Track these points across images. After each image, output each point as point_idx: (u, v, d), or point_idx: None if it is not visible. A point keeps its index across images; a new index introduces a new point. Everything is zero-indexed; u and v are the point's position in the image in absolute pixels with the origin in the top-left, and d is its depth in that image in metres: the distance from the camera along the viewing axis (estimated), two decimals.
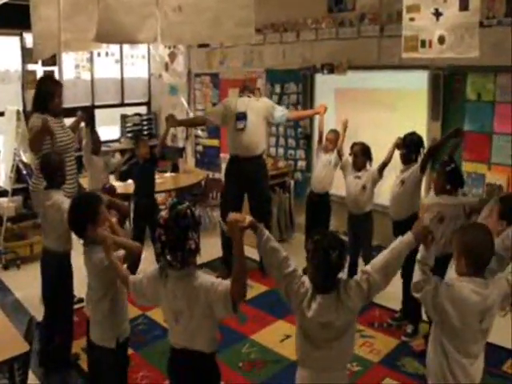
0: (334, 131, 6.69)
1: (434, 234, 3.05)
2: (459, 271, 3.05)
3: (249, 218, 3.02)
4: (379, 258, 3.05)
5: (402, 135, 5.59)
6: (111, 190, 5.95)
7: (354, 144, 6.15)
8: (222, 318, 3.18)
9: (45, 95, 5.58)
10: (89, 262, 3.71)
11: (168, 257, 3.03)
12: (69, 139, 5.72)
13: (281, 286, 3.13)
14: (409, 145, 5.47)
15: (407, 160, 5.50)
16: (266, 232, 3.10)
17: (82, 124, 6.36)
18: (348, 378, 3.33)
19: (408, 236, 3.04)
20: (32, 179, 5.86)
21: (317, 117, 7.25)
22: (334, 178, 6.64)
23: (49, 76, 5.82)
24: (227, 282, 2.99)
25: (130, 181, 6.97)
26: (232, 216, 2.99)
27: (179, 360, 3.19)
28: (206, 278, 3.10)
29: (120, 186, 7.38)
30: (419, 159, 5.44)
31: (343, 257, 2.99)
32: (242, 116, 6.59)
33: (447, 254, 4.44)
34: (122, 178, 6.99)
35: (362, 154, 6.06)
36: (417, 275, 3.09)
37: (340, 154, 6.41)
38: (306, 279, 3.10)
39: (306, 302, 3.03)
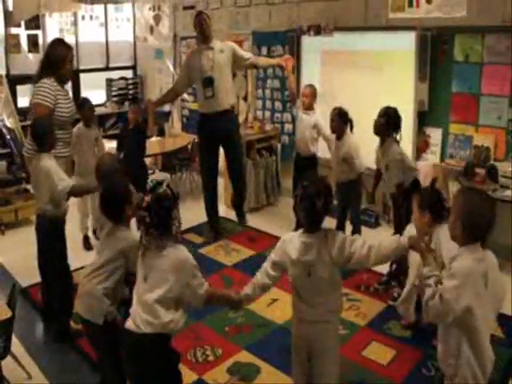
0: (310, 86, 6.69)
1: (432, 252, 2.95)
2: (454, 236, 2.90)
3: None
4: (373, 242, 3.13)
5: None
6: None
7: (333, 109, 6.09)
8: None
9: (55, 60, 5.24)
10: (115, 240, 3.62)
11: (152, 235, 3.16)
12: (72, 109, 5.52)
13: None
14: (389, 116, 5.38)
15: (381, 130, 5.43)
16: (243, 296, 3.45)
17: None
18: (333, 331, 3.42)
19: (403, 240, 3.07)
20: (25, 144, 5.69)
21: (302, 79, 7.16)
22: (318, 139, 6.62)
23: (60, 40, 5.50)
24: (205, 287, 3.23)
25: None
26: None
27: (133, 346, 3.18)
28: (194, 269, 3.20)
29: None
30: (395, 135, 5.43)
31: (329, 202, 3.14)
32: (208, 81, 6.49)
33: None
34: (119, 148, 6.97)
35: (339, 117, 5.98)
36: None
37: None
38: (289, 238, 3.29)
39: (292, 248, 3.22)
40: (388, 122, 5.37)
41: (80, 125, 6.56)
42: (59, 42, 5.41)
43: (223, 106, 6.59)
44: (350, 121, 5.98)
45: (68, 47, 5.38)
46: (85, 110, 6.58)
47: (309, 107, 6.62)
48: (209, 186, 6.94)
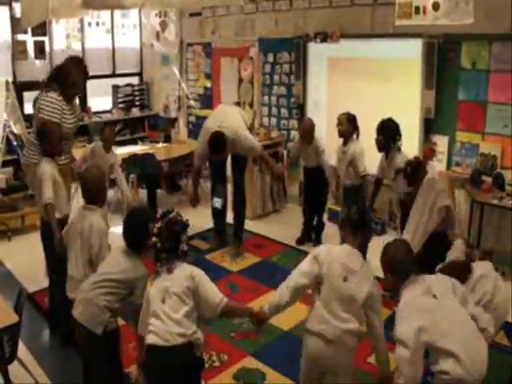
0: (308, 121, 6.77)
1: None
2: (391, 287, 3.54)
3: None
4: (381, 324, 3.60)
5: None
6: None
7: (341, 114, 6.12)
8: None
9: (67, 77, 5.08)
10: (130, 267, 3.69)
11: (163, 260, 3.37)
12: (75, 123, 5.46)
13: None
14: (386, 131, 5.47)
15: (383, 147, 5.54)
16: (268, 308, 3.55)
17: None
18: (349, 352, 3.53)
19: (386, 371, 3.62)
20: (23, 152, 5.65)
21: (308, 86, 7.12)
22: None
23: (79, 59, 5.36)
24: (220, 297, 3.37)
25: None
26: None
27: (160, 358, 3.23)
28: (205, 281, 3.38)
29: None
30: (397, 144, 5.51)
31: (362, 212, 3.63)
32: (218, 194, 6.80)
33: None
34: None
35: (348, 122, 6.02)
36: None
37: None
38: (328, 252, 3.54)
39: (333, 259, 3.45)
40: (387, 137, 5.47)
41: (98, 143, 6.61)
42: (78, 62, 5.35)
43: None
44: (357, 127, 6.01)
45: (85, 70, 5.34)
46: (105, 135, 6.62)
47: (309, 142, 6.62)
48: (217, 192, 6.93)
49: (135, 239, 3.70)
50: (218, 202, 6.76)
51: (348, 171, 6.10)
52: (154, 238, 3.37)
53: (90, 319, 3.61)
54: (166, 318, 3.22)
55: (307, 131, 6.61)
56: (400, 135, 5.49)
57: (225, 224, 7.12)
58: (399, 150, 5.50)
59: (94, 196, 4.16)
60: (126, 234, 3.72)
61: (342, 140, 6.15)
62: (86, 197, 4.19)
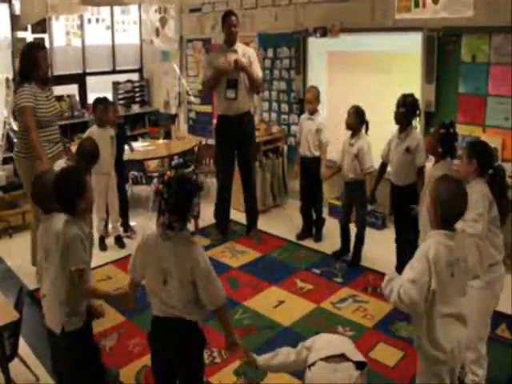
0: (313, 88, 6.73)
1: None
2: (430, 222, 3.19)
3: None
4: None
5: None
6: None
7: (351, 107, 6.07)
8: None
9: (29, 63, 5.42)
10: (60, 237, 3.40)
11: (168, 217, 3.02)
12: (53, 110, 5.62)
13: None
14: (409, 104, 5.38)
15: (403, 120, 5.41)
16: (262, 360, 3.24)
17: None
18: None
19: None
20: (15, 147, 5.82)
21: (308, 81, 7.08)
22: (324, 141, 6.63)
23: (31, 43, 5.64)
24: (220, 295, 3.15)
25: None
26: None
27: (162, 329, 3.21)
28: (204, 261, 3.11)
29: None
30: (414, 122, 5.42)
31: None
32: (233, 84, 6.54)
33: None
34: None
35: (355, 115, 5.98)
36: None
37: None
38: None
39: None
40: (408, 111, 5.38)
41: (93, 126, 6.61)
42: (31, 46, 5.63)
43: (243, 109, 6.68)
44: (367, 122, 5.98)
45: (39, 47, 5.56)
46: (96, 111, 6.60)
47: (313, 112, 6.65)
48: (224, 188, 6.92)
49: (66, 202, 3.40)
50: (232, 93, 6.59)
51: (352, 165, 6.06)
52: (161, 187, 3.01)
53: (49, 319, 3.55)
54: (168, 301, 3.11)
55: (311, 98, 6.62)
56: (420, 111, 5.48)
57: (228, 219, 7.15)
58: (416, 127, 5.48)
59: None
60: (57, 197, 3.42)
61: (350, 133, 6.12)
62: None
